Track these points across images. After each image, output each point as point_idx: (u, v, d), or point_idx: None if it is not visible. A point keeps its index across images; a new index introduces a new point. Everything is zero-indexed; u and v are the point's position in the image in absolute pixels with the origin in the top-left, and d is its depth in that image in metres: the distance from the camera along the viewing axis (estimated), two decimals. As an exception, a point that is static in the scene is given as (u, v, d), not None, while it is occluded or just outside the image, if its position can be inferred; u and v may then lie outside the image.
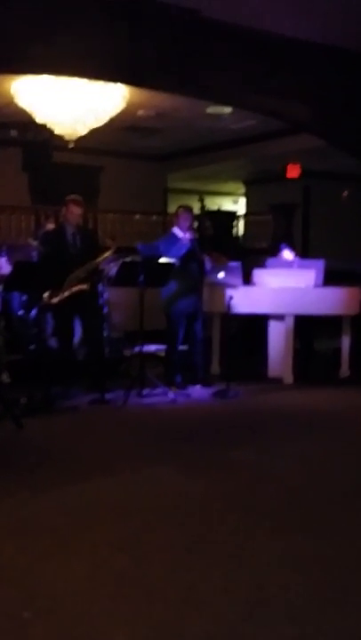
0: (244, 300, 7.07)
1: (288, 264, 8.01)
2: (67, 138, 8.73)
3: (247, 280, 7.57)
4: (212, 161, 13.04)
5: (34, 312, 7.11)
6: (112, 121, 8.81)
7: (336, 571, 3.01)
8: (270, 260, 8.19)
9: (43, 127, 8.83)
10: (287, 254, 8.23)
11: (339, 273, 8.18)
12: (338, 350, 7.79)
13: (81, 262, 6.35)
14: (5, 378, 6.44)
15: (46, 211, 11.33)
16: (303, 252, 11.99)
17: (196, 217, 9.76)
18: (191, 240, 6.86)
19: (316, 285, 7.57)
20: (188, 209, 7.21)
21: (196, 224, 7.32)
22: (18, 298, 7.40)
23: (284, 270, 7.76)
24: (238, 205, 16.87)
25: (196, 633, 2.50)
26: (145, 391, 6.42)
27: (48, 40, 6.05)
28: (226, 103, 8.72)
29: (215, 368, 7.79)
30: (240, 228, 14.75)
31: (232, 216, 14.78)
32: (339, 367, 7.69)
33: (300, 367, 7.59)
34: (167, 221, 12.34)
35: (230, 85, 7.27)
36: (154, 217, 13.41)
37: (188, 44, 6.68)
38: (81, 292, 6.34)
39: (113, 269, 6.82)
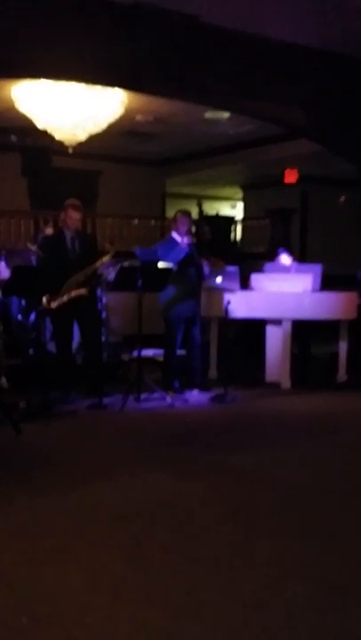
0: (241, 305, 7.09)
1: (286, 269, 8.03)
2: (66, 143, 8.76)
3: (245, 285, 7.59)
4: (210, 166, 13.08)
5: (32, 317, 7.14)
6: (111, 126, 8.83)
7: (335, 575, 3.02)
8: (268, 265, 8.21)
9: (43, 132, 8.86)
10: (285, 259, 8.26)
11: (336, 278, 8.21)
12: (335, 355, 7.80)
13: (80, 267, 6.36)
14: (4, 382, 6.45)
15: (45, 215, 11.35)
16: (301, 257, 12.03)
17: (195, 222, 9.80)
18: (189, 245, 6.88)
19: (314, 290, 7.59)
20: (187, 213, 7.23)
21: (194, 229, 7.33)
22: (17, 302, 7.43)
23: (282, 275, 7.78)
24: (236, 210, 16.91)
25: (194, 638, 2.51)
26: (143, 396, 6.43)
27: (48, 45, 6.07)
28: (224, 108, 8.75)
29: (213, 373, 7.80)
30: (238, 232, 14.79)
31: (230, 221, 14.84)
32: (336, 372, 7.70)
33: (298, 372, 7.61)
34: (165, 226, 12.39)
35: (229, 91, 7.29)
36: (152, 222, 13.44)
37: (187, 49, 6.71)
38: (80, 296, 6.36)
39: (111, 274, 6.84)
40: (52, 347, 6.77)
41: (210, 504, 3.91)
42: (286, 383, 7.35)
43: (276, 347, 7.46)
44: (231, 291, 7.11)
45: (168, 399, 6.45)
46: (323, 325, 7.67)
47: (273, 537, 3.43)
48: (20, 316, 7.40)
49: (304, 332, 8.00)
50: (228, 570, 3.06)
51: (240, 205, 16.69)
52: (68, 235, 6.60)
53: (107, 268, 6.84)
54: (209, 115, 9.69)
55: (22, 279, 6.05)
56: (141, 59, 6.56)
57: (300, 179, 12.28)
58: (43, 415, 5.82)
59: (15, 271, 6.22)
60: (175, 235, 6.94)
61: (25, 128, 9.39)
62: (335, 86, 7.70)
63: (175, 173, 14.10)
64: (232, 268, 7.54)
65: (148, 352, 7.19)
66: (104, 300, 7.28)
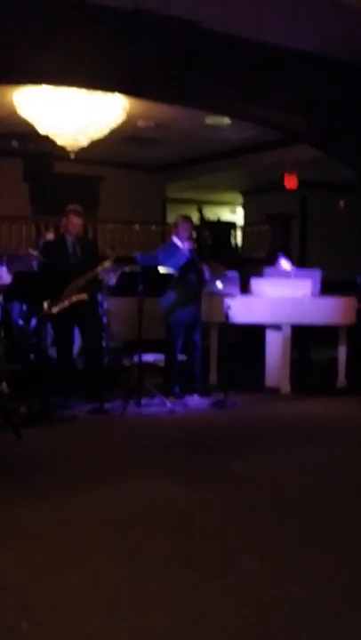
0: (241, 310, 7.10)
1: (285, 274, 8.04)
2: (68, 149, 8.80)
3: (245, 290, 7.61)
4: (210, 171, 13.12)
5: (34, 322, 7.14)
6: (112, 132, 8.88)
7: (335, 580, 3.02)
8: (268, 270, 8.22)
9: (44, 138, 8.89)
10: (284, 264, 8.27)
11: (335, 283, 8.23)
12: (334, 360, 7.81)
13: (81, 272, 6.38)
14: (5, 387, 6.47)
15: (47, 221, 11.38)
16: (300, 262, 12.05)
17: (195, 227, 9.83)
18: (190, 250, 6.91)
19: (313, 295, 7.61)
20: (188, 219, 7.25)
21: (194, 234, 7.36)
22: (18, 308, 7.44)
23: (282, 280, 7.80)
24: (236, 215, 16.94)
25: (193, 642, 2.52)
26: (143, 401, 6.44)
27: (49, 51, 6.12)
28: (225, 114, 8.80)
29: (213, 378, 7.81)
30: (238, 237, 14.82)
31: (230, 226, 14.86)
32: (336, 377, 7.71)
33: (298, 377, 7.61)
34: (166, 231, 12.41)
35: (229, 96, 7.34)
36: (153, 227, 13.48)
37: (187, 55, 6.76)
38: (80, 301, 6.38)
39: (112, 279, 6.86)
40: (52, 352, 6.79)
41: (210, 509, 3.92)
42: (286, 388, 7.37)
43: (276, 352, 7.48)
44: (231, 296, 7.12)
45: (168, 404, 6.46)
46: (322, 330, 7.69)
47: (273, 542, 3.43)
48: (21, 322, 7.41)
49: (304, 337, 8.02)
50: (228, 575, 3.07)
51: (240, 211, 16.73)
52: (70, 240, 6.62)
53: (107, 273, 6.86)
54: (210, 120, 9.74)
55: (23, 284, 6.07)
56: (142, 64, 6.60)
57: (300, 184, 12.31)
58: (43, 420, 5.82)
59: (16, 276, 6.24)
60: (176, 240, 6.96)
61: (27, 133, 9.43)
62: (335, 92, 7.75)
63: (176, 179, 14.14)
64: (232, 273, 7.56)
65: (149, 357, 7.20)
66: (105, 305, 7.29)
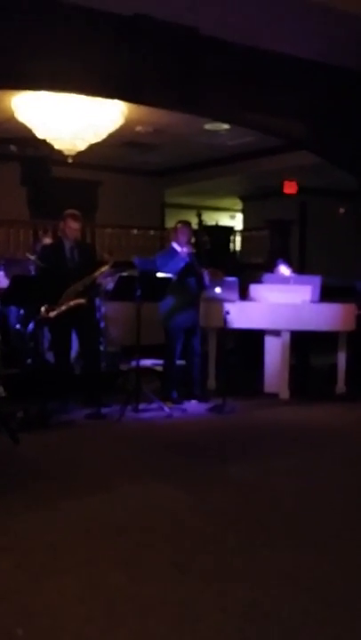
0: (240, 316, 7.08)
1: (285, 280, 8.04)
2: (66, 153, 8.79)
3: (244, 295, 7.60)
4: (209, 177, 13.13)
5: (31, 326, 7.13)
6: (111, 137, 8.88)
7: (333, 587, 3.01)
8: (267, 276, 8.22)
9: (42, 142, 8.89)
10: (284, 270, 8.27)
11: (335, 289, 8.22)
12: (334, 366, 7.80)
13: (79, 277, 6.36)
14: (1, 392, 6.44)
15: (44, 225, 11.38)
16: (300, 268, 12.06)
17: (194, 232, 9.83)
18: (189, 254, 6.90)
19: (313, 301, 7.60)
20: (187, 224, 7.25)
21: (193, 239, 7.35)
22: (15, 312, 7.43)
23: (281, 286, 7.79)
24: (235, 221, 16.96)
25: (191, 649, 2.49)
26: (141, 406, 6.42)
27: (47, 56, 6.11)
28: (224, 120, 8.80)
29: (211, 383, 7.79)
30: (237, 243, 14.83)
31: (229, 231, 14.88)
32: (335, 383, 7.69)
33: (297, 383, 7.59)
34: (164, 236, 12.43)
35: (229, 102, 7.34)
36: (151, 232, 13.49)
37: (186, 61, 6.75)
38: (78, 306, 6.36)
39: (110, 284, 6.84)
40: (50, 356, 6.76)
41: (208, 514, 3.90)
42: (285, 394, 7.34)
43: (275, 357, 7.46)
44: (230, 301, 7.11)
45: (166, 409, 6.43)
46: (322, 336, 7.67)
47: (271, 548, 3.41)
48: (18, 326, 7.39)
49: (303, 342, 8.00)
50: (227, 580, 3.05)
51: (239, 216, 16.75)
52: (67, 244, 6.60)
53: (105, 277, 6.85)
54: (208, 126, 9.74)
55: (21, 288, 6.05)
56: (141, 70, 6.59)
57: (299, 190, 12.33)
58: (40, 425, 5.81)
59: (14, 280, 6.22)
60: (175, 245, 6.96)
61: (25, 138, 9.43)
62: (334, 98, 7.75)
63: (175, 184, 14.16)
64: (231, 279, 7.55)
65: (147, 362, 7.18)
66: (103, 309, 7.29)
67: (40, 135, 8.61)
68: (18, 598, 2.85)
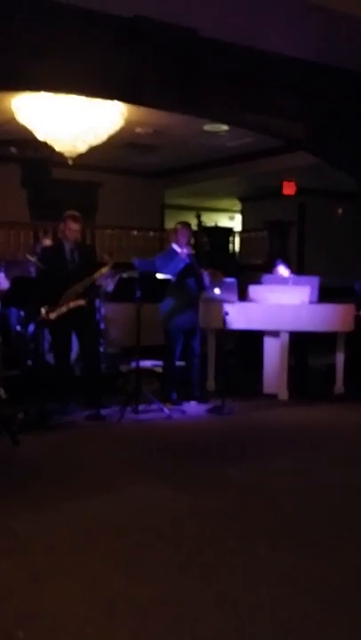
0: (239, 316, 7.10)
1: (283, 280, 8.06)
2: (66, 155, 8.80)
3: (243, 296, 7.61)
4: (208, 178, 13.14)
5: (31, 327, 7.15)
6: (111, 138, 8.88)
7: (332, 587, 3.02)
8: (266, 277, 8.23)
9: (43, 144, 8.90)
10: (282, 271, 8.29)
11: (333, 290, 8.24)
12: (332, 367, 7.81)
13: (79, 278, 6.38)
14: (2, 393, 6.46)
15: (45, 227, 11.39)
16: (298, 269, 12.07)
17: (193, 233, 9.85)
18: (189, 255, 6.91)
19: (311, 302, 7.62)
20: (187, 225, 7.27)
21: (193, 240, 7.37)
22: (15, 313, 7.44)
23: (280, 287, 7.80)
24: (234, 222, 16.97)
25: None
26: (141, 407, 6.43)
27: (47, 57, 6.12)
28: (223, 121, 8.81)
29: (211, 384, 7.80)
30: (236, 244, 14.85)
31: (228, 232, 14.88)
32: (333, 384, 7.71)
33: (296, 383, 7.61)
34: (164, 237, 12.43)
35: (228, 104, 7.35)
36: (151, 233, 13.49)
37: (186, 62, 6.77)
38: (78, 307, 6.37)
39: (110, 285, 6.86)
40: (50, 358, 6.78)
41: (208, 516, 3.91)
42: (284, 395, 7.36)
43: (274, 358, 7.47)
44: (229, 302, 7.12)
45: (166, 410, 6.45)
46: (320, 337, 7.69)
47: (271, 548, 3.42)
48: (18, 327, 7.41)
49: (302, 343, 8.02)
50: (226, 581, 3.06)
51: (238, 217, 16.76)
52: (68, 246, 6.61)
53: (105, 279, 6.87)
54: (208, 127, 9.75)
55: (21, 290, 6.07)
56: (141, 72, 6.61)
57: (298, 191, 12.34)
58: (41, 426, 5.82)
59: (14, 282, 6.25)
60: (175, 246, 6.97)
61: (25, 139, 9.44)
62: (334, 99, 7.77)
63: (174, 185, 14.17)
64: (230, 280, 7.56)
65: (147, 363, 7.20)
66: (103, 311, 7.31)
67: (40, 137, 8.62)
68: (18, 599, 2.86)
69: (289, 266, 8.70)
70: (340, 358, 7.69)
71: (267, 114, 7.56)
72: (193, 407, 6.89)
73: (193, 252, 7.11)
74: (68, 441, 5.60)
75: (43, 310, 6.23)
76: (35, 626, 2.65)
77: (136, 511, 3.95)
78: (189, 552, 3.38)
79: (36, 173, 11.35)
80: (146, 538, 3.55)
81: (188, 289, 6.94)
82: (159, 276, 6.68)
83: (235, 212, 16.85)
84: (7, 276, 7.49)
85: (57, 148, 8.78)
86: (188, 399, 7.01)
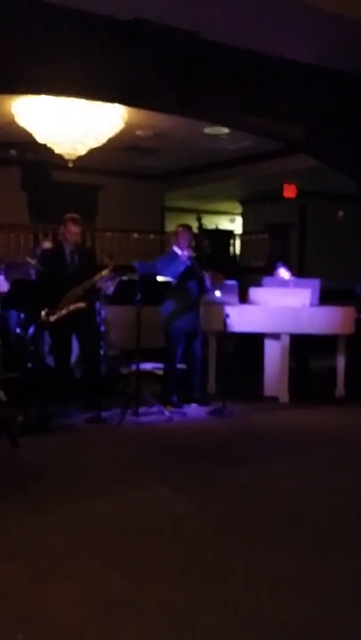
0: (240, 319, 7.09)
1: (284, 283, 8.05)
2: (66, 157, 8.81)
3: (244, 299, 7.61)
4: (209, 180, 13.15)
5: (31, 330, 7.14)
6: (111, 141, 8.89)
7: (332, 589, 3.01)
8: (266, 279, 8.23)
9: (43, 147, 8.91)
10: (283, 273, 8.28)
11: (334, 292, 8.23)
12: (333, 369, 7.80)
13: (79, 281, 6.37)
14: (2, 396, 6.45)
15: (45, 229, 11.40)
16: (299, 272, 12.07)
17: (194, 235, 9.86)
18: (190, 257, 6.91)
19: (312, 305, 7.61)
20: (188, 227, 7.26)
21: (193, 243, 7.36)
22: (15, 316, 7.44)
23: (280, 289, 7.80)
24: (235, 224, 16.98)
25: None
26: (141, 410, 6.42)
27: (47, 60, 6.13)
28: (223, 124, 8.81)
29: (211, 386, 7.79)
30: (237, 246, 14.85)
31: (229, 235, 14.89)
32: (334, 386, 7.70)
33: (296, 386, 7.60)
34: (165, 240, 12.43)
35: (229, 106, 7.36)
36: (151, 235, 13.50)
37: (187, 65, 6.77)
38: (78, 310, 6.37)
39: (110, 288, 6.85)
40: (50, 360, 6.77)
41: (208, 518, 3.90)
42: (285, 397, 7.35)
43: (275, 361, 7.46)
44: (230, 304, 7.12)
45: (166, 413, 6.44)
46: (321, 340, 7.68)
47: (271, 552, 3.42)
48: (18, 330, 7.40)
49: (302, 346, 8.01)
50: (227, 583, 3.05)
51: (239, 220, 16.77)
52: (68, 248, 6.61)
53: (106, 281, 6.86)
54: (208, 130, 9.76)
55: (21, 293, 6.07)
56: (141, 74, 6.61)
57: (299, 193, 12.35)
58: (41, 429, 5.81)
59: (14, 285, 6.24)
60: (176, 249, 6.97)
61: (25, 142, 9.45)
62: (334, 102, 7.77)
63: (175, 188, 14.18)
64: (231, 282, 7.56)
65: (147, 366, 7.19)
66: (103, 313, 7.29)
67: (40, 140, 8.63)
68: (18, 602, 2.86)
69: (290, 268, 8.69)
70: (340, 361, 7.68)
71: (267, 116, 7.56)
72: (194, 410, 6.88)
73: (194, 254, 7.11)
74: (68, 444, 5.60)
75: (43, 313, 6.23)
76: (35, 628, 2.64)
77: (136, 513, 3.94)
78: (189, 554, 3.37)
79: (36, 176, 11.36)
80: (146, 540, 3.55)
81: (189, 291, 6.94)
82: (160, 278, 6.67)
83: (235, 214, 16.87)
84: (7, 279, 7.48)
85: (57, 151, 8.79)
86: (189, 402, 7.00)
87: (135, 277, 6.79)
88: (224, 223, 16.73)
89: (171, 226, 13.05)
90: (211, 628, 2.67)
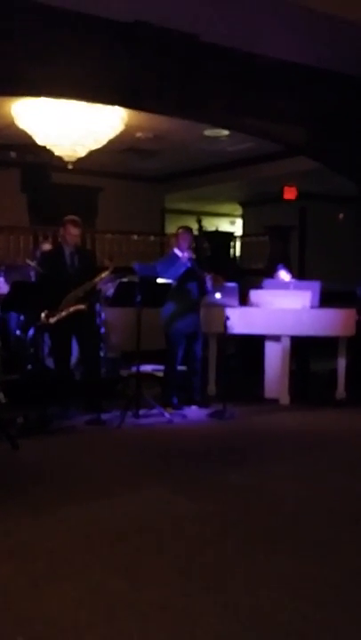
0: (240, 321, 7.09)
1: (284, 285, 8.05)
2: (66, 159, 8.81)
3: (244, 301, 7.60)
4: (209, 182, 13.16)
5: (31, 332, 7.14)
6: (111, 143, 8.89)
7: (333, 591, 3.00)
8: (267, 281, 8.22)
9: (42, 149, 8.91)
10: (284, 275, 8.28)
11: (335, 294, 8.22)
12: (334, 371, 7.79)
13: (79, 283, 6.37)
14: (1, 398, 6.45)
15: (45, 231, 11.40)
16: (299, 274, 12.07)
17: (194, 237, 9.85)
18: (190, 259, 6.90)
19: (313, 306, 7.60)
20: (189, 229, 7.26)
21: (193, 244, 7.37)
22: (15, 318, 7.43)
23: (281, 291, 7.79)
24: (235, 226, 16.98)
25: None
26: (141, 412, 6.42)
27: (48, 62, 6.13)
28: (223, 126, 8.81)
29: (212, 388, 7.78)
30: (237, 248, 14.85)
31: (229, 237, 14.89)
32: (335, 388, 7.69)
33: (297, 388, 7.59)
34: (165, 242, 12.44)
35: (228, 108, 7.36)
36: (151, 237, 13.50)
37: (186, 67, 6.78)
38: (78, 312, 6.36)
39: (110, 289, 6.85)
40: (50, 362, 6.77)
41: (208, 520, 3.89)
42: (285, 399, 7.34)
43: (275, 363, 7.46)
44: (230, 306, 7.11)
45: (167, 415, 6.43)
46: (322, 342, 7.67)
47: (271, 554, 3.41)
48: (18, 332, 7.40)
49: (303, 348, 8.00)
50: (227, 586, 3.04)
51: (239, 222, 16.77)
52: (67, 250, 6.61)
53: (105, 283, 6.86)
54: (208, 132, 9.77)
55: (21, 294, 6.07)
56: (141, 77, 6.62)
57: (299, 195, 12.35)
58: (40, 431, 5.81)
59: (14, 286, 6.23)
60: (177, 251, 6.97)
61: (25, 144, 9.45)
62: (334, 104, 7.78)
63: (175, 190, 14.18)
64: (231, 284, 7.56)
65: (147, 367, 7.18)
66: (103, 315, 7.29)
67: (40, 142, 8.63)
68: (18, 604, 2.85)
69: (290, 270, 8.69)
70: (341, 363, 7.67)
71: (267, 118, 7.56)
72: (194, 412, 6.87)
73: (194, 256, 7.10)
74: (68, 445, 5.59)
75: (43, 315, 6.23)
76: (34, 630, 2.63)
77: (136, 515, 3.94)
78: (190, 556, 3.36)
79: (36, 178, 11.36)
80: (146, 542, 3.54)
81: (190, 293, 6.93)
82: (160, 280, 6.67)
83: (236, 216, 16.87)
84: (7, 281, 7.48)
85: (56, 153, 8.79)
86: (189, 404, 7.00)
87: (135, 279, 6.79)
88: (224, 225, 16.73)
89: (171, 228, 13.05)
90: (211, 629, 2.66)
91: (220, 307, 7.01)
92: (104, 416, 6.31)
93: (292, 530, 3.76)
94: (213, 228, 14.88)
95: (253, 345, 7.88)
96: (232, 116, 7.51)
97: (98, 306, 7.06)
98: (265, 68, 7.20)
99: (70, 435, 5.90)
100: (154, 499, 4.26)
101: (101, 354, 7.26)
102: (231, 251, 14.55)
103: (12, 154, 10.77)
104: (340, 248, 13.44)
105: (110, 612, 2.79)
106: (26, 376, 7.04)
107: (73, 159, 8.77)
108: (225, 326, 6.77)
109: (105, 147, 8.90)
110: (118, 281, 6.70)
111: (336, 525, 3.86)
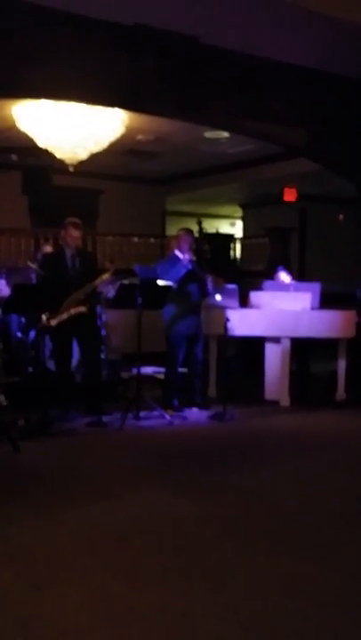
0: (240, 323, 7.09)
1: (285, 287, 8.05)
2: (67, 162, 8.82)
3: (244, 302, 7.61)
4: (209, 184, 13.17)
5: (32, 334, 7.15)
6: (112, 145, 8.90)
7: (333, 593, 3.01)
8: (267, 283, 8.23)
9: (44, 151, 8.92)
10: (284, 277, 8.28)
11: (335, 296, 8.23)
12: (334, 373, 7.79)
13: (80, 285, 6.38)
14: (3, 400, 6.46)
15: (46, 233, 11.41)
16: (300, 275, 12.08)
17: (195, 239, 9.85)
18: (191, 261, 6.91)
19: (313, 308, 7.61)
20: (189, 231, 7.27)
21: (194, 246, 7.39)
22: (16, 320, 7.45)
23: (281, 293, 7.80)
24: (236, 228, 16.99)
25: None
26: (142, 414, 6.42)
27: (48, 65, 6.14)
28: (224, 128, 8.83)
29: (212, 390, 7.79)
30: (237, 250, 14.86)
31: (230, 239, 14.90)
32: (335, 390, 7.69)
33: (297, 390, 7.60)
34: (165, 244, 12.44)
35: (229, 111, 7.37)
36: (152, 239, 13.50)
37: (187, 69, 6.79)
38: (79, 314, 6.37)
39: (111, 292, 6.86)
40: (51, 364, 6.77)
41: (208, 522, 3.90)
42: (285, 401, 7.35)
43: (276, 364, 7.46)
44: (231, 308, 7.12)
45: (167, 417, 6.44)
46: (322, 343, 7.68)
47: (271, 555, 3.41)
48: (19, 334, 7.41)
49: (303, 350, 8.01)
50: (227, 587, 3.05)
51: (239, 223, 16.78)
52: (68, 253, 6.62)
53: (106, 285, 6.86)
54: (209, 134, 9.78)
55: (22, 297, 6.07)
56: (142, 79, 6.63)
57: (299, 197, 12.36)
58: (42, 433, 5.81)
59: (15, 289, 6.25)
60: (178, 252, 6.97)
61: (26, 147, 9.47)
62: (334, 106, 7.79)
63: (175, 192, 14.20)
64: (232, 286, 7.56)
65: (148, 369, 7.18)
66: (104, 317, 7.30)
67: (41, 144, 8.64)
68: (18, 607, 2.85)
69: (290, 272, 8.69)
70: (341, 365, 7.68)
71: (267, 120, 7.57)
72: (194, 414, 6.88)
73: (195, 258, 7.11)
74: (68, 448, 5.59)
75: (43, 317, 6.24)
76: (35, 634, 2.64)
77: (137, 518, 3.94)
78: (190, 558, 3.37)
79: (37, 180, 11.37)
80: (146, 544, 3.54)
81: (190, 295, 6.94)
82: (160, 282, 6.68)
83: (236, 218, 16.88)
84: (8, 283, 7.49)
85: (58, 156, 8.80)
86: (190, 405, 7.01)
87: (136, 281, 6.79)
88: (224, 227, 16.74)
89: (171, 230, 13.06)
90: (211, 631, 2.67)
91: (221, 308, 7.01)
92: (105, 418, 6.31)
93: (292, 531, 3.77)
94: (214, 230, 14.89)
95: (254, 347, 7.89)
96: (232, 118, 7.52)
97: (99, 308, 7.07)
98: (265, 70, 7.21)
99: (71, 437, 5.90)
100: (154, 501, 4.26)
101: (102, 356, 7.28)
102: (231, 252, 14.55)
103: (14, 156, 10.78)
104: (341, 250, 13.45)
105: (111, 614, 2.79)
106: (27, 378, 7.06)
107: (74, 162, 8.78)
108: (225, 328, 6.78)
109: (106, 149, 8.91)
110: (119, 283, 6.70)
111: (336, 526, 3.87)
